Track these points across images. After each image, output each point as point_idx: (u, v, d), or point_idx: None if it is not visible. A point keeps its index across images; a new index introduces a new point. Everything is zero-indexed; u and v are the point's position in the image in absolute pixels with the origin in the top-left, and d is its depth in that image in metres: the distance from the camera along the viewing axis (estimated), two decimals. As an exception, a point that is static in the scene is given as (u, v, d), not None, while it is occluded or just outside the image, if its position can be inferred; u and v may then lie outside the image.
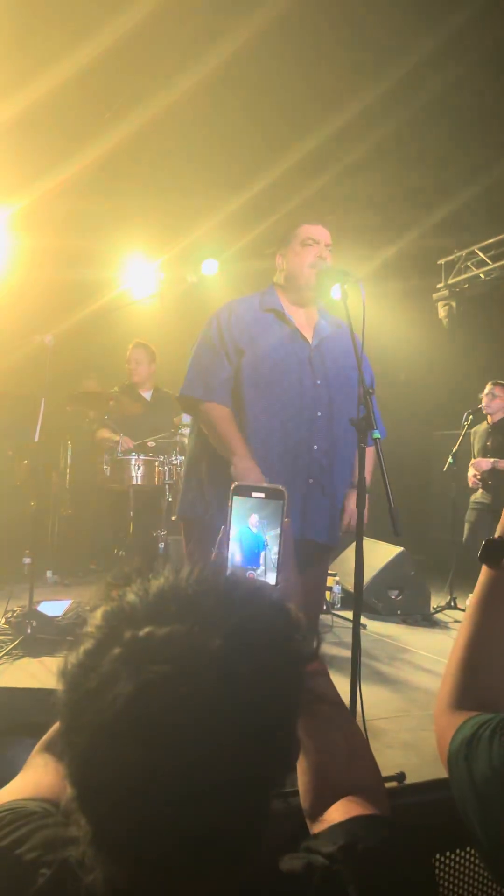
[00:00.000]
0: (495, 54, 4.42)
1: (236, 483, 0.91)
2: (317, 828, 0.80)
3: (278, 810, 0.93)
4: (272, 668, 0.58)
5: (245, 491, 0.90)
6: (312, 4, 4.04)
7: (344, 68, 4.64)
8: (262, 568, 0.89)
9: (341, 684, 2.35)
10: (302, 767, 0.86)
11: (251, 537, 0.89)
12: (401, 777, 2.43)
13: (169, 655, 0.54)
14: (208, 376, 2.39)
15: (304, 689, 0.61)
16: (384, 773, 2.38)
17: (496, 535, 0.92)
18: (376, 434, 2.14)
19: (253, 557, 0.89)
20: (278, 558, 0.88)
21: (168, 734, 0.53)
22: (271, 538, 0.89)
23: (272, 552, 0.89)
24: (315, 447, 2.40)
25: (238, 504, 0.90)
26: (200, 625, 0.56)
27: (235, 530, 0.89)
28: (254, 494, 0.90)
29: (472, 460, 5.64)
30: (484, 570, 0.91)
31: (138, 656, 0.54)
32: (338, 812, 0.80)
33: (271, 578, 0.88)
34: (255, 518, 0.89)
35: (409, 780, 2.44)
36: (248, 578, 0.63)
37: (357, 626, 2.20)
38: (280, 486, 0.90)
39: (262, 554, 0.89)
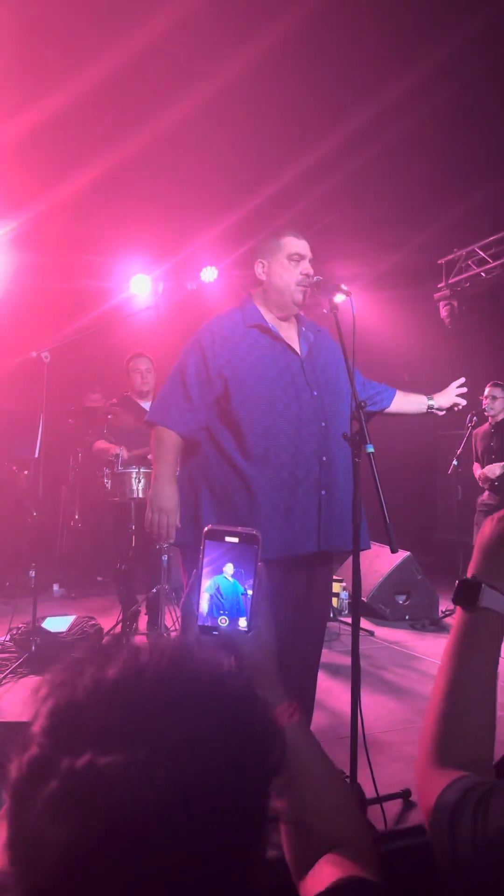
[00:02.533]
0: (499, 60, 4.40)
1: (209, 527, 0.89)
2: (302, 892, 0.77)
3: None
4: (227, 800, 0.52)
5: (218, 535, 0.88)
6: (305, 27, 4.04)
7: (342, 79, 4.63)
8: (240, 610, 0.87)
9: (346, 695, 2.32)
10: (283, 824, 0.83)
11: (228, 586, 0.87)
12: (406, 794, 2.40)
13: (107, 796, 0.49)
14: (169, 406, 2.41)
15: (268, 800, 0.56)
16: (389, 790, 2.36)
17: (468, 574, 0.88)
18: (370, 448, 2.12)
19: (234, 607, 0.86)
20: (252, 603, 0.86)
21: (101, 889, 0.48)
22: (245, 579, 0.87)
23: (247, 593, 0.87)
24: (324, 458, 2.39)
25: (211, 549, 0.88)
26: (147, 750, 0.50)
27: (211, 580, 0.87)
28: (227, 539, 0.88)
29: (478, 465, 5.60)
30: (458, 612, 0.87)
31: (74, 797, 0.49)
32: (322, 872, 0.77)
33: (245, 623, 0.86)
34: (230, 567, 0.87)
35: (414, 796, 2.42)
36: (214, 662, 0.58)
37: (356, 643, 2.17)
38: (254, 531, 0.88)
39: (238, 595, 0.87)
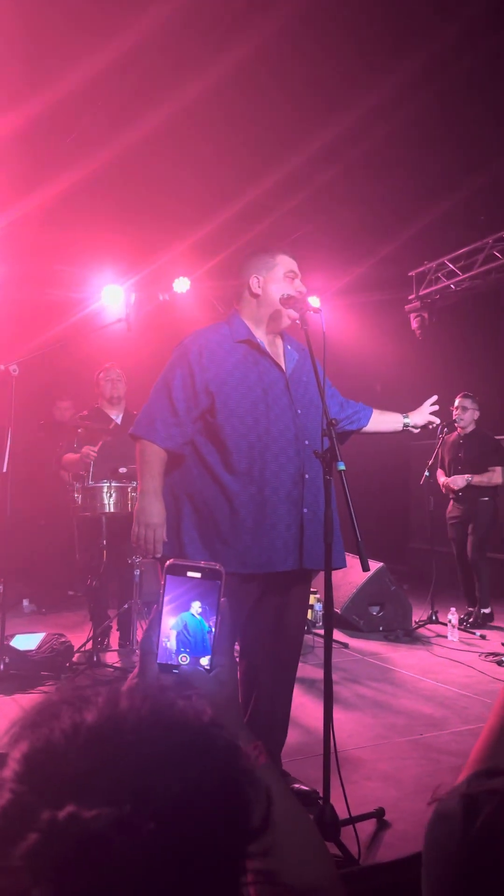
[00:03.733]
0: (471, 76, 4.47)
1: (171, 561, 0.86)
2: None
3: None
4: (213, 857, 0.50)
5: (180, 570, 0.85)
6: (277, 42, 4.06)
7: (313, 94, 4.66)
8: (202, 647, 0.84)
9: (320, 711, 2.30)
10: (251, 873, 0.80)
11: (195, 623, 0.84)
12: (380, 813, 2.38)
13: (93, 851, 0.46)
14: (154, 421, 2.38)
15: (245, 869, 0.54)
16: (363, 809, 2.33)
17: None
18: (341, 466, 2.11)
19: (198, 645, 0.84)
20: (214, 641, 0.83)
21: None
22: (208, 615, 0.85)
23: (209, 630, 0.84)
24: (306, 476, 2.39)
25: (173, 584, 0.85)
26: (132, 803, 0.47)
27: (178, 616, 0.84)
28: (189, 574, 0.85)
29: (442, 473, 5.65)
30: None
31: (56, 852, 0.45)
32: None
33: (207, 660, 0.83)
34: (197, 605, 0.84)
35: (388, 816, 2.40)
36: (196, 711, 0.55)
37: (328, 660, 2.15)
38: (217, 566, 0.85)
39: (209, 636, 0.84)
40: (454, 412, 5.52)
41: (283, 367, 2.45)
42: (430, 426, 2.79)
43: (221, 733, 0.55)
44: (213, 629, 0.83)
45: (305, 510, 2.37)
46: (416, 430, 2.79)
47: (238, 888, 0.53)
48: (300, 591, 2.54)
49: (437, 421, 2.80)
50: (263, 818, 0.56)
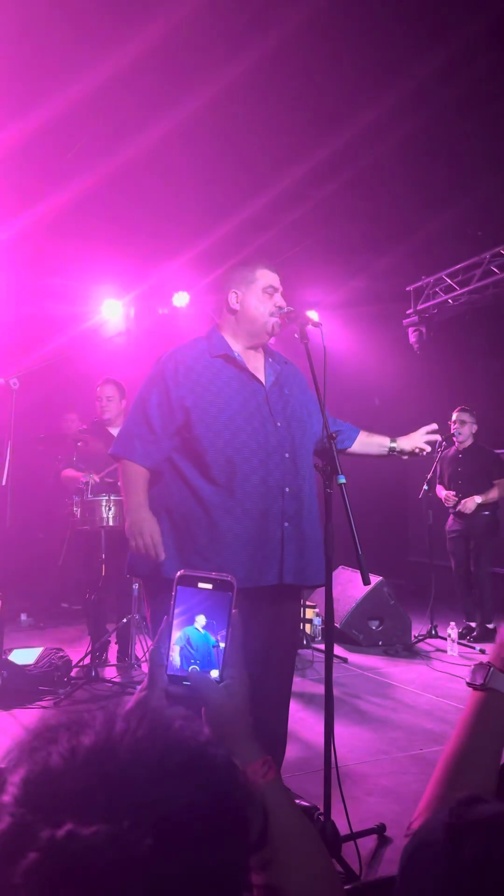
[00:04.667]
0: (468, 92, 4.52)
1: (182, 572, 0.86)
2: None
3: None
4: (209, 872, 0.50)
5: (191, 581, 0.85)
6: (275, 58, 4.11)
7: (311, 109, 4.71)
8: (212, 658, 0.84)
9: (320, 725, 2.29)
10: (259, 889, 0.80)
11: (199, 637, 0.84)
12: (381, 829, 2.37)
13: (92, 868, 0.46)
14: (132, 439, 2.38)
15: (247, 875, 0.56)
16: (364, 825, 2.31)
17: (488, 660, 0.99)
18: (342, 479, 2.12)
19: (204, 659, 0.83)
20: (225, 652, 0.83)
21: None
22: (219, 626, 0.84)
23: (220, 641, 0.84)
24: (286, 490, 2.36)
25: (184, 596, 0.85)
26: (130, 820, 0.48)
27: (181, 631, 0.84)
28: (200, 585, 0.85)
29: (442, 487, 5.66)
30: (471, 692, 0.98)
31: (55, 870, 0.46)
32: None
33: (216, 673, 0.83)
34: (202, 619, 0.84)
35: (389, 831, 2.38)
36: (192, 731, 0.56)
37: (329, 677, 2.14)
38: (228, 577, 0.85)
39: (214, 651, 0.84)
40: (452, 426, 5.55)
41: (263, 381, 2.45)
42: (420, 453, 2.65)
43: (218, 751, 0.56)
44: (221, 642, 0.83)
45: (286, 524, 2.34)
46: (405, 457, 2.67)
47: (243, 886, 0.53)
48: (289, 608, 2.52)
49: (428, 449, 2.65)
50: (261, 833, 0.56)
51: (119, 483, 2.47)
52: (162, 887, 0.47)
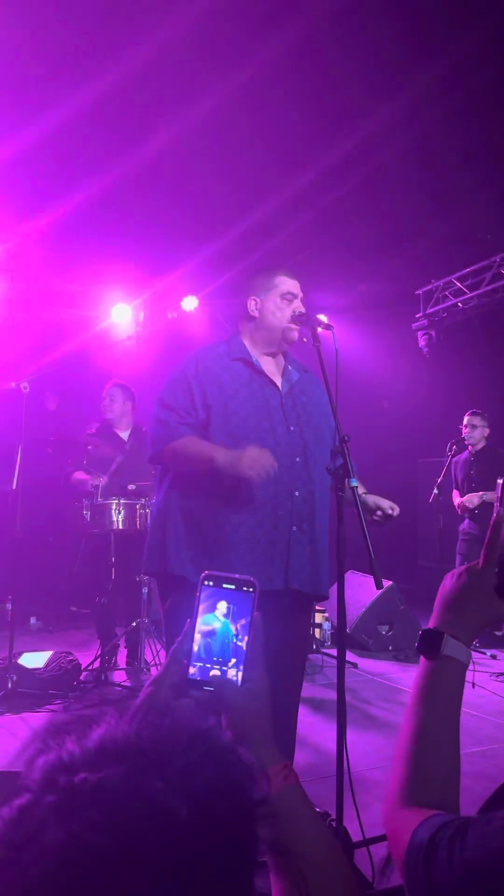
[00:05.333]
0: (477, 95, 4.52)
1: (207, 572, 0.87)
2: None
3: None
4: (217, 814, 0.52)
5: (216, 580, 0.86)
6: (284, 63, 4.12)
7: (321, 113, 4.72)
8: (234, 660, 0.84)
9: (331, 731, 2.27)
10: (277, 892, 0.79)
11: (220, 628, 0.84)
12: (393, 835, 2.35)
13: (102, 801, 0.50)
14: (168, 424, 2.36)
15: (255, 836, 0.56)
16: (376, 831, 2.30)
17: (430, 626, 0.94)
18: (354, 483, 2.11)
19: (222, 649, 0.84)
20: (246, 654, 0.83)
21: (99, 889, 0.47)
22: (241, 627, 0.84)
23: (242, 642, 0.84)
24: (296, 493, 2.36)
25: (208, 596, 0.86)
26: (138, 768, 0.52)
27: (203, 619, 0.84)
28: (224, 585, 0.86)
29: (457, 493, 5.64)
30: (422, 660, 0.91)
31: (70, 804, 0.50)
32: None
33: (238, 674, 0.83)
34: (223, 605, 0.85)
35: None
36: (196, 719, 0.59)
37: (342, 681, 2.13)
38: (251, 578, 0.86)
39: (232, 644, 0.84)
40: (464, 430, 5.53)
41: (279, 385, 2.45)
42: (374, 516, 2.38)
43: (222, 734, 0.60)
44: (242, 636, 0.83)
45: (294, 528, 2.33)
46: (363, 510, 2.27)
47: (253, 852, 0.56)
48: (298, 618, 2.50)
49: (377, 517, 2.38)
50: (265, 794, 0.59)
51: (181, 459, 2.32)
52: (170, 830, 0.50)
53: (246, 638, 0.84)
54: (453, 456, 5.63)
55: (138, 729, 0.56)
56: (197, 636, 0.84)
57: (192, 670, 0.82)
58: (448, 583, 0.96)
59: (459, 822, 0.74)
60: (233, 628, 0.84)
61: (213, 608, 0.85)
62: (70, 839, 0.48)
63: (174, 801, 0.51)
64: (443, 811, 0.79)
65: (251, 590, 0.85)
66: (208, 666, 0.83)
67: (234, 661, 0.83)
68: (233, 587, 0.85)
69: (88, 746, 0.54)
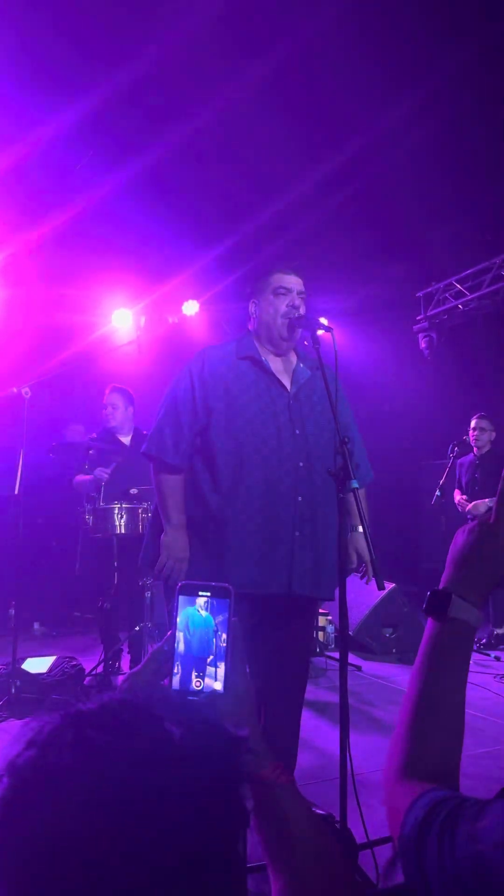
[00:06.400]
0: (479, 99, 4.53)
1: (183, 582, 0.88)
2: None
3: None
4: (208, 744, 0.58)
5: (191, 590, 0.87)
6: (288, 65, 4.14)
7: (323, 117, 4.74)
8: (212, 656, 0.84)
9: (335, 733, 2.27)
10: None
11: (199, 621, 0.85)
12: (397, 838, 2.34)
13: (110, 722, 0.57)
14: (164, 436, 2.36)
15: (241, 771, 0.60)
16: (381, 834, 2.29)
17: (440, 586, 0.88)
18: (355, 484, 2.10)
19: (202, 644, 0.84)
20: (226, 659, 0.83)
21: (109, 804, 0.52)
22: (220, 623, 0.85)
23: (221, 639, 0.84)
24: (299, 498, 2.34)
25: (185, 605, 0.86)
26: (137, 706, 0.59)
27: (183, 615, 0.85)
28: (200, 593, 0.87)
29: (458, 492, 5.63)
30: (430, 623, 0.86)
31: (80, 724, 0.57)
32: None
33: (221, 668, 0.83)
34: (203, 600, 0.85)
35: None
36: (183, 695, 0.68)
37: (344, 685, 2.13)
38: (227, 585, 0.86)
39: (213, 640, 0.84)
40: (472, 433, 5.53)
41: (288, 385, 2.44)
42: (358, 570, 2.45)
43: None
44: (221, 631, 0.84)
45: (297, 532, 2.31)
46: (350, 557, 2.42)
47: (239, 784, 0.60)
48: (301, 623, 2.49)
49: (353, 565, 2.44)
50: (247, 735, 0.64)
51: (155, 490, 2.42)
52: (173, 750, 0.56)
53: (224, 636, 0.84)
54: (457, 457, 5.62)
55: (131, 694, 0.63)
56: (179, 634, 0.84)
57: (175, 680, 0.82)
58: (459, 539, 0.91)
59: (452, 803, 0.70)
60: (213, 619, 0.85)
61: (192, 601, 0.86)
62: (79, 756, 0.54)
63: (170, 726, 0.57)
64: (442, 783, 0.76)
65: (226, 597, 0.85)
66: (190, 675, 0.83)
67: (211, 657, 0.83)
68: (208, 594, 0.86)
69: (91, 706, 0.60)
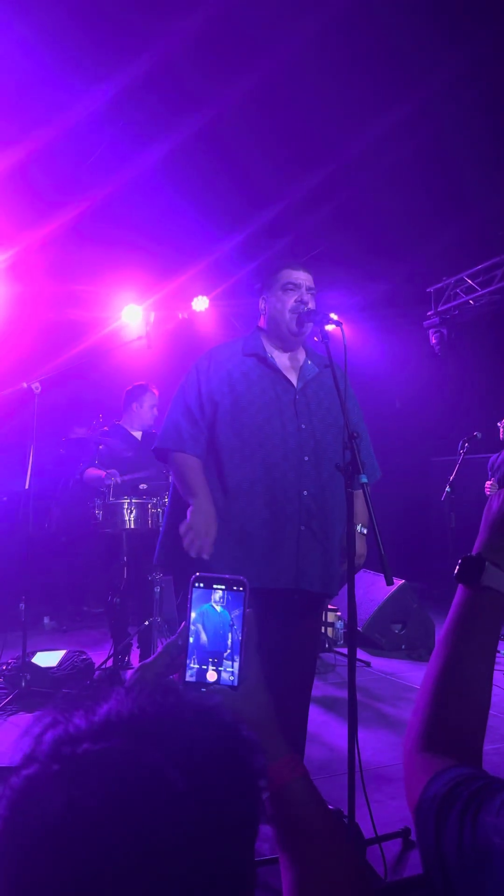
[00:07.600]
0: (489, 94, 4.50)
1: (198, 574, 0.87)
2: None
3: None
4: (215, 786, 0.54)
5: (207, 582, 0.86)
6: (296, 61, 4.13)
7: (331, 113, 4.72)
8: (229, 650, 0.84)
9: (343, 729, 2.27)
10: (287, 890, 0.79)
11: (215, 616, 0.84)
12: (406, 832, 2.34)
13: (102, 771, 0.52)
14: (180, 430, 2.37)
15: (257, 808, 0.57)
16: (389, 829, 2.29)
17: (474, 552, 0.85)
18: (363, 479, 2.09)
19: (218, 639, 0.83)
20: (241, 652, 0.83)
21: (96, 859, 0.49)
22: (236, 617, 0.84)
23: (238, 633, 0.84)
24: (304, 493, 2.34)
25: (198, 598, 0.86)
26: (139, 741, 0.54)
27: (198, 611, 0.85)
28: (214, 586, 0.86)
29: (489, 484, 5.58)
30: (460, 590, 0.83)
31: (72, 772, 0.52)
32: None
33: (236, 662, 0.83)
34: (218, 595, 0.84)
35: (414, 835, 2.34)
36: (201, 697, 0.62)
37: (352, 680, 2.13)
38: (241, 578, 0.85)
39: (229, 635, 0.84)
40: (501, 430, 5.50)
41: (294, 381, 2.44)
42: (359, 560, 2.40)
43: (226, 712, 0.62)
44: (237, 625, 0.83)
45: (302, 527, 2.31)
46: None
47: (253, 824, 0.57)
48: (308, 619, 2.48)
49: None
50: (264, 766, 0.61)
51: (176, 479, 2.39)
52: (169, 800, 0.51)
53: (238, 617, 0.83)
54: (466, 454, 5.58)
55: (143, 704, 0.58)
56: (192, 627, 0.84)
57: (188, 672, 0.82)
58: (495, 503, 0.86)
59: (478, 783, 0.68)
60: (229, 614, 0.84)
61: (207, 596, 0.85)
62: (70, 805, 0.50)
63: (172, 773, 0.52)
64: (463, 759, 0.74)
65: (241, 589, 0.85)
66: (204, 667, 0.83)
67: (228, 651, 0.83)
68: (223, 587, 0.85)
69: (94, 720, 0.56)
